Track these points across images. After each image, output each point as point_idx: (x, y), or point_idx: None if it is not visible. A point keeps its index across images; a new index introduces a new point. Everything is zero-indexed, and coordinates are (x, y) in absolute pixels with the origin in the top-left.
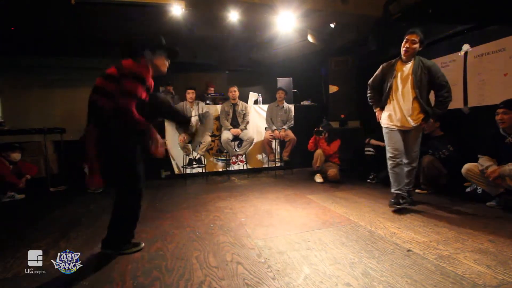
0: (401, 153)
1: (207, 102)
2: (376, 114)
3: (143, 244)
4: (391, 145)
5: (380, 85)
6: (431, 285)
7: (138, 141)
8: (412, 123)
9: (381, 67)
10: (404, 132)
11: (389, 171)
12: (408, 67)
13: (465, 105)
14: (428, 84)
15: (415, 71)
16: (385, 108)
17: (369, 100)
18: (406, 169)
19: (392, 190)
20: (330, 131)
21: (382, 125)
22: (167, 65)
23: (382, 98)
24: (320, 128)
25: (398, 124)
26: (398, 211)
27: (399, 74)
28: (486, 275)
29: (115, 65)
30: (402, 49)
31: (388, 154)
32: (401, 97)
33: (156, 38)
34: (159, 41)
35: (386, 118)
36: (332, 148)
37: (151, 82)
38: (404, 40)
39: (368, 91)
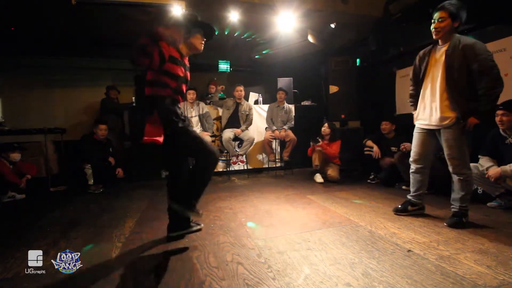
0: (423, 159)
1: (209, 102)
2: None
3: (202, 225)
4: (413, 148)
5: (419, 78)
6: (431, 286)
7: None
8: (443, 122)
9: (417, 56)
10: (436, 133)
11: (410, 173)
12: (442, 51)
13: None
14: (467, 70)
15: (448, 55)
16: (418, 104)
17: (409, 100)
18: (454, 180)
19: (408, 195)
20: (334, 130)
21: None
22: (203, 43)
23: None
24: (317, 137)
25: (425, 123)
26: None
27: (431, 62)
28: (486, 276)
29: None
30: (432, 31)
31: (410, 158)
32: (429, 90)
33: (191, 15)
34: (194, 18)
35: (416, 115)
36: (333, 148)
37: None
38: (432, 21)
39: (410, 88)
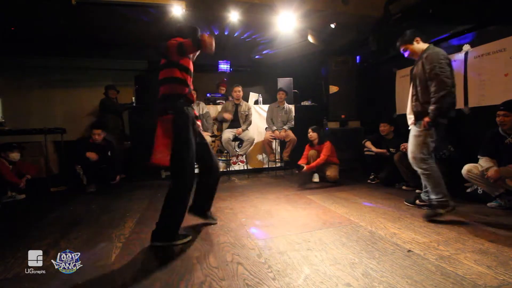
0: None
1: (218, 101)
2: None
3: (190, 236)
4: None
5: None
6: (431, 286)
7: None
8: (409, 122)
9: None
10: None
11: None
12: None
13: (466, 105)
14: (424, 78)
15: (415, 67)
16: None
17: None
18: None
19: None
20: (320, 133)
21: None
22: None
23: None
24: (299, 165)
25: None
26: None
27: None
28: (486, 276)
29: None
30: None
31: None
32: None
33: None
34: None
35: None
36: (323, 151)
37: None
38: None
39: None
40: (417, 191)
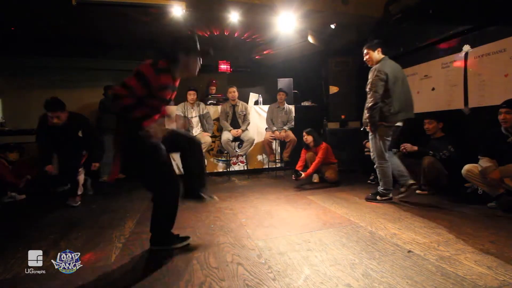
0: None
1: (210, 102)
2: None
3: (190, 238)
4: None
5: None
6: (431, 286)
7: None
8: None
9: None
10: None
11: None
12: None
13: (466, 106)
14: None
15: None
16: None
17: None
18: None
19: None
20: (314, 136)
21: None
22: (199, 66)
23: None
24: (296, 172)
25: None
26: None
27: None
28: (487, 276)
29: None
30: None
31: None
32: None
33: (191, 40)
34: (193, 44)
35: None
36: (319, 154)
37: (160, 82)
38: None
39: None
40: (418, 191)
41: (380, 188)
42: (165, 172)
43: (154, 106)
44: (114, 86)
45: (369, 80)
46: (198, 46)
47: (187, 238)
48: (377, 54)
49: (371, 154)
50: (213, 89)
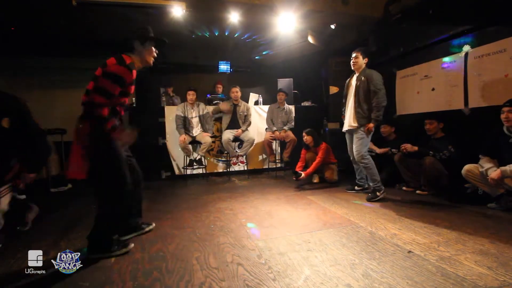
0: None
1: (215, 102)
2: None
3: (132, 245)
4: (348, 147)
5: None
6: (432, 287)
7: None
8: (353, 124)
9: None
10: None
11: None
12: (354, 78)
13: (466, 106)
14: (367, 92)
15: (358, 81)
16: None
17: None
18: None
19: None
20: (314, 136)
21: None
22: (155, 55)
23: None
24: (295, 172)
25: (346, 127)
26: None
27: (351, 85)
28: (487, 277)
29: (101, 65)
30: (351, 64)
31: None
32: (349, 104)
33: (144, 29)
34: (147, 32)
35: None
36: (319, 154)
37: (132, 78)
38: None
39: (343, 102)
40: (418, 191)
41: (373, 185)
42: (122, 174)
43: (122, 103)
44: (90, 95)
45: (373, 82)
46: (152, 35)
47: (128, 244)
48: (363, 62)
49: (355, 154)
50: (219, 88)
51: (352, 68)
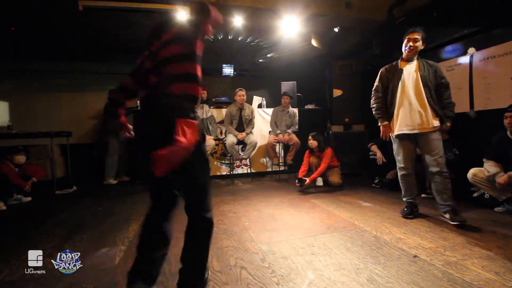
0: (411, 163)
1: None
2: (383, 129)
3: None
4: (402, 155)
5: (386, 92)
6: None
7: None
8: (434, 124)
9: (380, 72)
10: (420, 136)
11: (400, 180)
12: (413, 67)
13: (471, 109)
14: (435, 84)
15: (422, 70)
16: (394, 115)
17: (376, 112)
18: (437, 179)
19: (404, 199)
20: (320, 140)
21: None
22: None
23: (389, 106)
24: (299, 178)
25: (412, 128)
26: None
27: (405, 75)
28: (494, 282)
29: None
30: (405, 48)
31: (398, 164)
32: (414, 99)
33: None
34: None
35: (397, 124)
36: (324, 158)
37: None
38: (406, 40)
39: (374, 101)
40: (423, 195)
41: (452, 202)
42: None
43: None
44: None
45: (443, 74)
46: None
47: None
48: (422, 47)
49: (440, 161)
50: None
51: (408, 53)
